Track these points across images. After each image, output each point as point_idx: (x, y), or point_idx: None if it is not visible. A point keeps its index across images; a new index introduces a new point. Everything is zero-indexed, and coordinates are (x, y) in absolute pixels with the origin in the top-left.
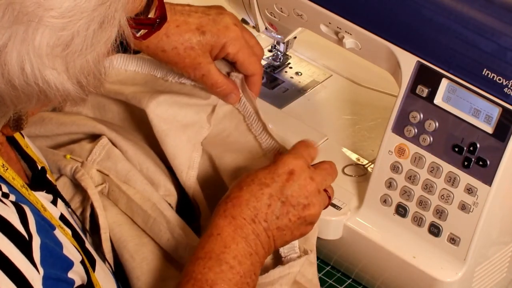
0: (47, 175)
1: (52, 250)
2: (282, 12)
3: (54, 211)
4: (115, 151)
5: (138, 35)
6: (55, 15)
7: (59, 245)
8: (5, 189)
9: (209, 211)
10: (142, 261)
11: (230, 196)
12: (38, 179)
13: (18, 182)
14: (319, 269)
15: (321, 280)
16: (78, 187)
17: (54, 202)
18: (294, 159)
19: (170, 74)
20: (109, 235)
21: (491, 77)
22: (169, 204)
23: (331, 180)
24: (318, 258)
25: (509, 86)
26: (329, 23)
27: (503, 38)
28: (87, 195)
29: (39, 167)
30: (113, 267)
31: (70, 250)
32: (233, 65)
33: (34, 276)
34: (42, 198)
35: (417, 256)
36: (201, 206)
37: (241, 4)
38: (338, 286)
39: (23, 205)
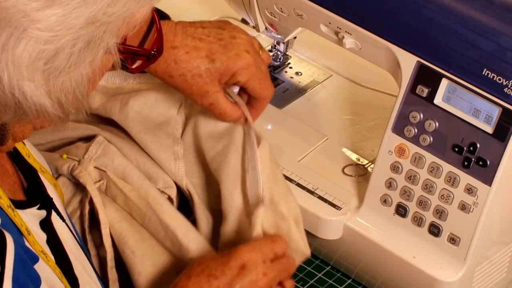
0: (46, 185)
1: (23, 286)
2: (282, 12)
3: (40, 235)
4: (112, 148)
5: (133, 66)
6: (41, 28)
7: (37, 281)
8: None
9: (201, 200)
10: (143, 256)
11: (177, 285)
12: (33, 192)
13: (5, 202)
14: (319, 269)
15: (321, 280)
16: (77, 186)
17: (45, 220)
18: (248, 252)
19: (129, 78)
20: (110, 231)
21: (491, 77)
22: (170, 197)
23: (287, 274)
24: (318, 258)
25: (509, 86)
26: (329, 23)
27: (503, 38)
28: (86, 192)
29: (41, 176)
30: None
31: (52, 284)
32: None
33: None
34: (30, 217)
35: (417, 256)
36: (194, 196)
37: (241, 4)
38: (338, 286)
39: (6, 233)
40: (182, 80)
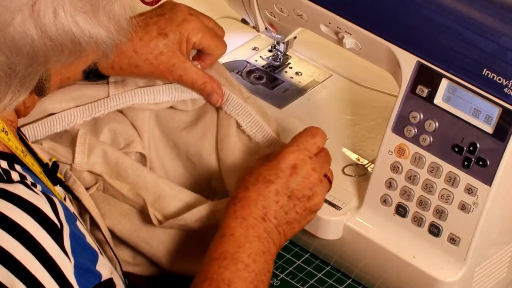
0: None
1: (78, 240)
2: (282, 12)
3: (69, 207)
4: (94, 141)
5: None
6: None
7: (83, 235)
8: (30, 179)
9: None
10: (159, 245)
11: (237, 197)
12: (49, 174)
13: (37, 169)
14: (319, 269)
15: (321, 280)
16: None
17: (64, 200)
18: (295, 152)
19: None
20: (119, 228)
21: (491, 77)
22: (144, 155)
23: (329, 165)
24: (318, 258)
25: (509, 86)
26: (329, 23)
27: (503, 38)
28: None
29: (45, 163)
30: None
31: (90, 242)
32: (200, 52)
33: (66, 264)
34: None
35: (417, 256)
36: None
37: (241, 4)
38: (338, 286)
39: (51, 196)
40: (148, 65)
